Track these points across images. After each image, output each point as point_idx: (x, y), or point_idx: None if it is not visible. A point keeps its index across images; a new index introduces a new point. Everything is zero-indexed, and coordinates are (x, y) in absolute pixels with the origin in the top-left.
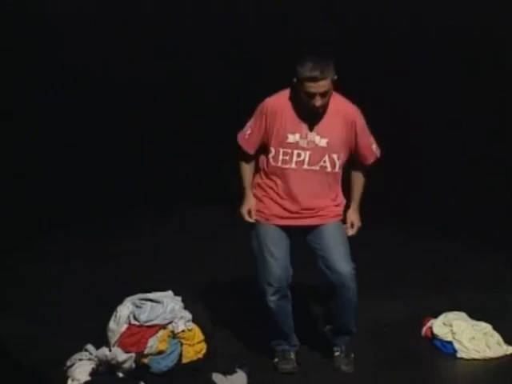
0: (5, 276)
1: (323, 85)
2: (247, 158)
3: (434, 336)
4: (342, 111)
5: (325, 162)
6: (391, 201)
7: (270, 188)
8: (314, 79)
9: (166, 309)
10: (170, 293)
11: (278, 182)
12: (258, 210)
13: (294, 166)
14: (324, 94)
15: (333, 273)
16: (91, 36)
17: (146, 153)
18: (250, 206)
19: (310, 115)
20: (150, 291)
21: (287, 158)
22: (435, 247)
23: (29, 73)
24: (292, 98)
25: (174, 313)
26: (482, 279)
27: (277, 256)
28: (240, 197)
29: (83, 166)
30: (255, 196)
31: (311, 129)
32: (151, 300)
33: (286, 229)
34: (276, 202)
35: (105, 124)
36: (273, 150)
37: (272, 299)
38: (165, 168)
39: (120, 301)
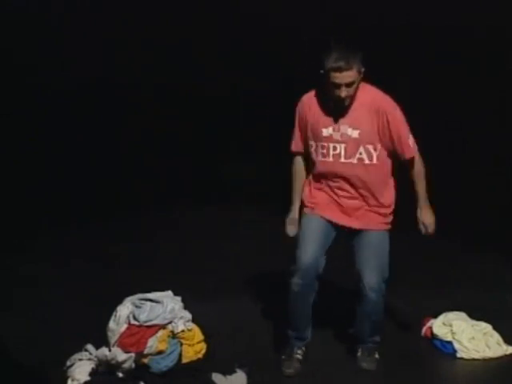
0: (5, 276)
1: (348, 75)
2: (299, 162)
3: (433, 336)
4: (372, 102)
5: (361, 154)
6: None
7: (317, 181)
8: (339, 69)
9: (165, 309)
10: (169, 293)
11: (323, 175)
12: (307, 201)
13: (331, 159)
14: (350, 85)
15: (360, 282)
16: (91, 36)
17: (146, 153)
18: (294, 219)
19: (340, 108)
20: (149, 291)
21: (325, 151)
22: (435, 247)
23: (29, 73)
24: (322, 92)
25: (174, 313)
26: (481, 279)
27: (312, 243)
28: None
29: (83, 166)
30: (305, 189)
31: (343, 121)
32: (151, 300)
33: (333, 225)
34: (322, 194)
35: (104, 124)
36: (313, 144)
37: (296, 282)
38: (165, 168)
39: (120, 301)
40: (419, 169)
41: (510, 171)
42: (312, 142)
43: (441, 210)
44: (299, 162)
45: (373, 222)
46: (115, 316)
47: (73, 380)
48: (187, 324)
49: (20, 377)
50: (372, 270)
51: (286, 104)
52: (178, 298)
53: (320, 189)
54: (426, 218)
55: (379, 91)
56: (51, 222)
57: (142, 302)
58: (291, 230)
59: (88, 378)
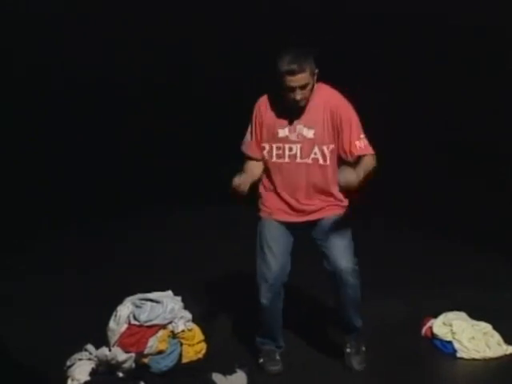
0: (5, 276)
1: (302, 78)
2: (252, 164)
3: (433, 336)
4: (326, 102)
5: (315, 154)
6: (391, 201)
7: (272, 184)
8: (292, 72)
9: (165, 309)
10: (169, 293)
11: (278, 177)
12: (262, 205)
13: (287, 160)
14: (304, 87)
15: (333, 269)
16: (91, 36)
17: (146, 153)
18: (243, 178)
19: (296, 108)
20: (149, 291)
21: (280, 152)
22: (435, 247)
23: (29, 72)
24: (278, 93)
25: (174, 313)
26: (481, 279)
27: (275, 252)
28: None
29: (83, 166)
30: (260, 193)
31: (298, 121)
32: (151, 300)
33: (291, 227)
34: (278, 198)
35: (104, 124)
36: (267, 146)
37: (266, 295)
38: (164, 168)
39: (120, 301)
40: (368, 162)
41: (511, 171)
42: (266, 144)
43: (441, 210)
44: (252, 165)
45: (329, 209)
46: (115, 316)
47: (73, 380)
48: (187, 324)
49: (20, 377)
50: (343, 254)
51: None
52: (178, 298)
53: (275, 192)
54: (349, 175)
55: (335, 91)
56: (51, 223)
57: (143, 301)
58: (240, 185)
59: (88, 378)
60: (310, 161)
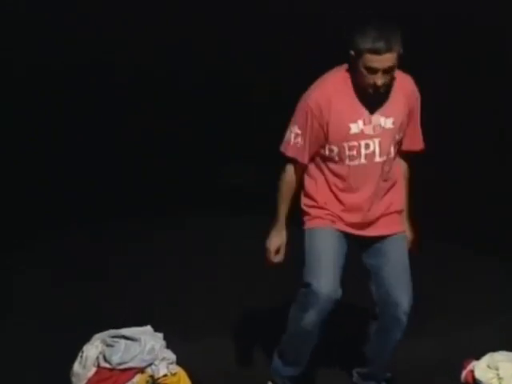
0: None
1: (388, 59)
2: (294, 173)
3: (476, 382)
4: (402, 85)
5: (394, 146)
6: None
7: (333, 187)
8: (378, 51)
9: (143, 348)
10: (148, 328)
11: (346, 183)
12: (315, 216)
13: (363, 160)
14: (388, 70)
15: (385, 302)
16: (91, 35)
17: (146, 153)
18: (280, 241)
19: (369, 95)
20: (123, 326)
21: (354, 152)
22: (472, 269)
23: (29, 72)
24: (341, 81)
25: (154, 353)
26: None
27: (330, 269)
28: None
29: (80, 167)
30: (312, 206)
31: (373, 111)
32: (125, 337)
33: (346, 235)
34: (337, 201)
35: (103, 124)
36: (335, 148)
37: (311, 319)
38: (164, 168)
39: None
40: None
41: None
42: (333, 147)
43: (478, 227)
44: (292, 173)
45: (395, 223)
46: (81, 357)
47: None
48: (170, 367)
49: None
50: (404, 289)
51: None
52: (160, 335)
53: (337, 198)
54: (408, 231)
55: (403, 73)
56: (49, 223)
57: (115, 339)
58: (277, 256)
59: None
60: (389, 156)
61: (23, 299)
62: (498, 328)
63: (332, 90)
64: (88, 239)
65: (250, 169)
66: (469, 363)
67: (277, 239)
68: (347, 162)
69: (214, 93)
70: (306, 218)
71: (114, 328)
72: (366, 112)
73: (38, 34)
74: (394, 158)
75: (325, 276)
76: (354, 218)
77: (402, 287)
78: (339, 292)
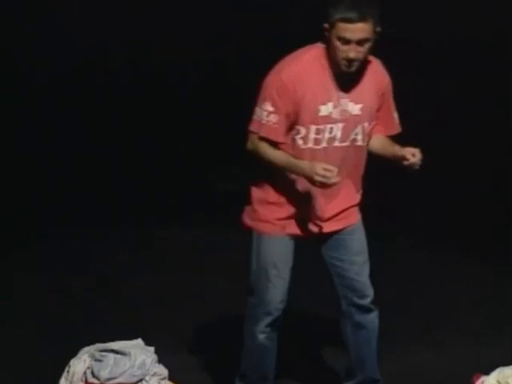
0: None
1: (361, 29)
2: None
3: None
4: (371, 70)
5: (356, 134)
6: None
7: (289, 183)
8: (350, 20)
9: (134, 363)
10: (139, 342)
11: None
12: (269, 216)
13: (325, 144)
14: (361, 42)
15: (357, 298)
16: (91, 34)
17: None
18: (315, 163)
19: (341, 77)
20: (112, 339)
21: (320, 136)
22: (481, 280)
23: (28, 71)
24: (315, 59)
25: (145, 368)
26: None
27: (283, 277)
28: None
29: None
30: (262, 199)
31: (343, 95)
32: (115, 351)
33: (297, 238)
34: (296, 202)
35: (103, 124)
36: (303, 130)
37: (265, 330)
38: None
39: (76, 349)
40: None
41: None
42: (300, 128)
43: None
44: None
45: (352, 214)
46: (68, 373)
47: None
48: (162, 382)
49: None
50: (367, 279)
51: None
52: (151, 349)
53: (292, 195)
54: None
55: (375, 58)
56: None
57: (103, 354)
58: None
59: None
60: (348, 143)
61: (7, 311)
62: (508, 342)
63: (306, 67)
64: (75, 248)
65: (247, 174)
66: (478, 378)
67: (313, 165)
68: (310, 144)
69: (206, 97)
70: (254, 215)
71: (102, 342)
72: (336, 95)
73: (37, 34)
74: (362, 148)
75: (272, 288)
76: (311, 213)
77: (366, 277)
78: (285, 298)
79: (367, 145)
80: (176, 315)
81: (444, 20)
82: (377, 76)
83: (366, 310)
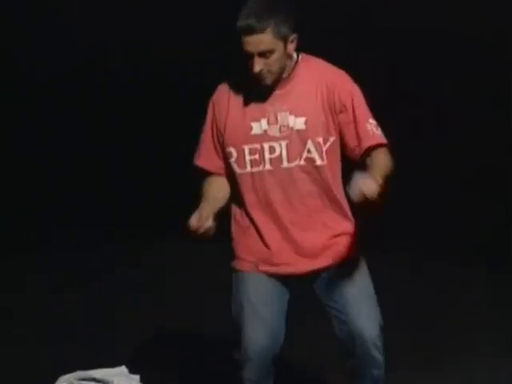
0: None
1: (261, 40)
2: (218, 183)
3: None
4: (318, 77)
5: (309, 151)
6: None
7: (247, 213)
8: (249, 30)
9: None
10: (123, 369)
11: (257, 197)
12: (240, 252)
13: (268, 166)
14: (264, 54)
15: (354, 340)
16: (90, 34)
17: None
18: (203, 210)
19: (276, 89)
20: (93, 367)
21: (257, 157)
22: (482, 280)
23: (28, 71)
24: (247, 75)
25: None
26: None
27: (261, 320)
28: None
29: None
30: (234, 233)
31: (280, 108)
32: (96, 380)
33: (281, 278)
34: (264, 236)
35: (102, 125)
36: (234, 152)
37: (248, 377)
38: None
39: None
40: (383, 158)
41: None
42: (231, 149)
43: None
44: (212, 183)
45: (343, 248)
46: None
47: None
48: None
49: None
50: (368, 319)
51: None
52: (136, 377)
53: (254, 226)
54: (368, 185)
55: (327, 63)
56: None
57: (84, 382)
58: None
59: None
60: (302, 162)
61: (7, 311)
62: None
63: (234, 83)
64: (75, 249)
65: None
66: None
67: (197, 211)
68: (248, 168)
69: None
70: (233, 248)
71: (82, 369)
72: (271, 110)
73: (37, 33)
74: (325, 167)
75: (250, 330)
76: (284, 248)
77: (366, 316)
78: (279, 340)
79: (337, 163)
80: (162, 343)
81: (444, 20)
82: (326, 85)
83: (365, 355)
